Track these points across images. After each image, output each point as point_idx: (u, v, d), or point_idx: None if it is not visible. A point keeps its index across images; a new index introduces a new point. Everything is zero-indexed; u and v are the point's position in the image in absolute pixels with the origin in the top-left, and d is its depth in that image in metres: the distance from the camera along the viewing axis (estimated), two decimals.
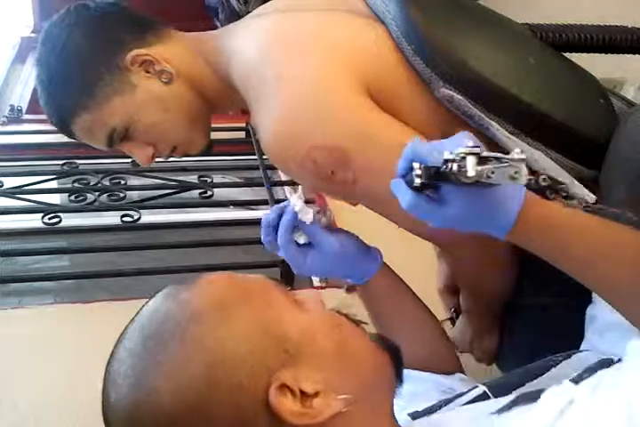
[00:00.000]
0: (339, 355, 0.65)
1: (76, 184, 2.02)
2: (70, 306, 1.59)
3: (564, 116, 0.92)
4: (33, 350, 1.44)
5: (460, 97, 0.89)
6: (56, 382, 1.36)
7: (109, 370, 0.64)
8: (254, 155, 2.12)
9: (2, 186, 1.97)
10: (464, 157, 0.61)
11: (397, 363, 0.71)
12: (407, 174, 0.70)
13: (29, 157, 2.16)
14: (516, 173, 0.61)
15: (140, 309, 0.67)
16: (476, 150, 0.61)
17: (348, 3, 1.04)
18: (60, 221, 1.82)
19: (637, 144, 0.92)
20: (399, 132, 0.92)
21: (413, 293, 1.01)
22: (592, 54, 1.10)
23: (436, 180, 0.66)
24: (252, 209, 2.15)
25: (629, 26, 1.10)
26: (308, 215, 0.91)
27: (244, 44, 0.97)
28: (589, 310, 0.96)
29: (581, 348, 0.94)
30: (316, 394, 0.61)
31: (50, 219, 1.82)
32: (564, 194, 0.68)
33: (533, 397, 0.63)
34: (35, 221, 1.84)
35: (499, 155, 0.61)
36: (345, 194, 0.99)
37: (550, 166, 0.89)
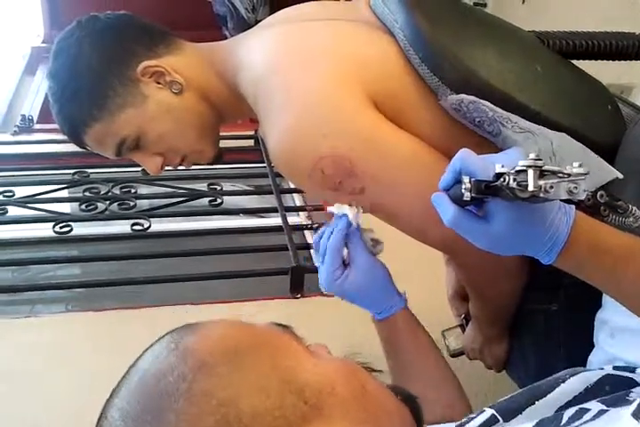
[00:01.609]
0: (361, 404, 0.60)
1: (86, 193, 2.03)
2: (82, 314, 1.60)
3: (571, 123, 0.92)
4: (45, 359, 1.44)
5: (471, 98, 0.89)
6: (68, 391, 1.37)
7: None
8: (263, 162, 2.13)
9: (13, 195, 1.99)
10: (520, 171, 0.59)
11: (417, 411, 0.67)
12: (450, 188, 0.67)
13: (40, 166, 2.17)
14: (575, 187, 0.59)
15: (136, 360, 0.60)
16: (539, 163, 0.59)
17: (356, 12, 1.05)
18: (71, 229, 1.84)
19: None
20: (405, 142, 0.92)
21: (431, 339, 1.01)
22: (600, 60, 1.11)
23: (487, 194, 0.63)
24: (262, 217, 2.16)
25: (637, 32, 1.10)
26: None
27: (253, 55, 0.98)
28: (599, 315, 0.95)
29: (592, 354, 0.94)
30: None
31: (61, 228, 1.83)
32: (620, 211, 0.67)
33: (557, 424, 0.61)
34: (46, 230, 1.85)
35: (557, 169, 0.59)
36: (352, 203, 1.00)
37: (574, 149, 0.89)
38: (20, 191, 2.01)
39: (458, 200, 0.67)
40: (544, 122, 0.90)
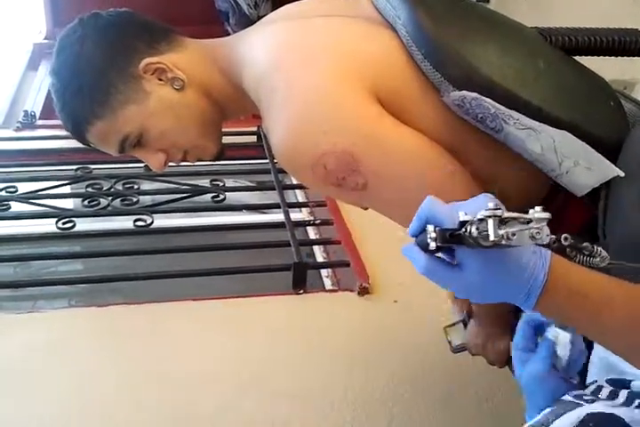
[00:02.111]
0: None
1: (89, 189, 2.03)
2: (84, 310, 1.60)
3: (573, 118, 0.92)
4: (48, 354, 1.45)
5: (473, 95, 0.89)
6: (70, 386, 1.37)
7: None
8: (266, 159, 2.13)
9: (16, 191, 1.99)
10: (483, 220, 0.59)
11: None
12: (419, 236, 0.67)
13: (43, 162, 2.17)
14: (537, 233, 0.59)
15: None
16: (498, 213, 0.59)
17: (359, 8, 1.05)
18: (74, 225, 1.84)
19: None
20: (408, 138, 0.92)
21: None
22: (602, 56, 1.11)
23: (452, 243, 0.63)
24: (264, 213, 2.16)
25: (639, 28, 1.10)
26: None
27: (256, 52, 0.98)
28: None
29: (593, 354, 0.94)
30: None
31: (64, 224, 1.83)
32: (586, 253, 0.66)
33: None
34: (49, 226, 1.85)
35: (518, 215, 0.59)
36: (355, 199, 1.00)
37: (576, 147, 0.89)
38: (23, 187, 2.02)
39: (427, 248, 0.67)
40: (546, 118, 0.90)
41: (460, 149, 0.95)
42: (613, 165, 0.87)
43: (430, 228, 0.64)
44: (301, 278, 1.64)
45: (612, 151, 0.93)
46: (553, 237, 0.62)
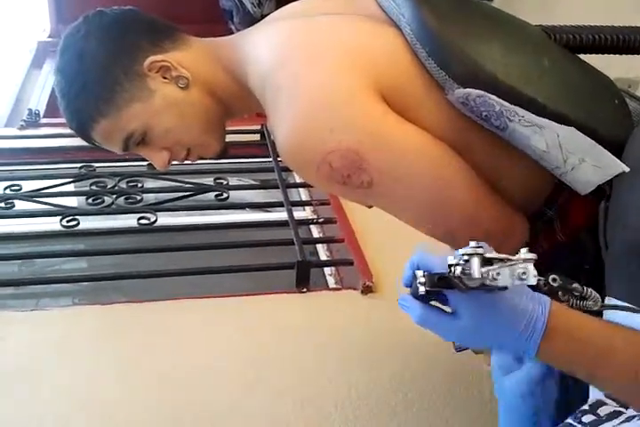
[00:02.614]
0: None
1: (93, 187, 2.03)
2: (88, 308, 1.60)
3: (577, 117, 0.92)
4: (51, 352, 1.45)
5: (477, 92, 0.89)
6: (73, 384, 1.37)
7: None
8: (269, 157, 2.13)
9: (20, 189, 1.99)
10: (468, 260, 0.60)
11: None
12: (411, 284, 0.68)
13: (47, 160, 2.18)
14: (523, 273, 0.59)
15: None
16: (480, 251, 0.60)
17: (363, 6, 1.05)
18: (78, 223, 1.84)
19: None
20: (413, 136, 0.92)
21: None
22: (607, 54, 1.10)
23: (441, 287, 0.64)
24: (268, 211, 2.16)
25: None
26: None
27: (260, 50, 0.98)
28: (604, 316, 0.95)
29: None
30: None
31: (68, 222, 1.83)
32: (576, 294, 0.66)
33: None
34: (53, 224, 1.85)
35: (503, 256, 0.60)
36: (360, 197, 1.00)
37: (581, 143, 0.89)
38: (27, 185, 2.02)
39: (422, 297, 0.67)
40: (550, 115, 0.90)
41: (464, 146, 0.95)
42: (619, 161, 0.86)
43: (419, 273, 0.65)
44: (305, 277, 1.64)
45: (615, 150, 0.93)
46: (541, 278, 0.62)
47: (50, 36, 3.19)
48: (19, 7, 3.36)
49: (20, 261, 1.89)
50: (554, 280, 0.64)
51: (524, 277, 0.60)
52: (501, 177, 0.98)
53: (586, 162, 0.89)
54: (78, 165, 2.11)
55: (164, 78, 1.02)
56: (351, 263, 1.72)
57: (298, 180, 2.10)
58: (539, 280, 0.61)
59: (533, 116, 0.89)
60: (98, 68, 1.00)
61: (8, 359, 1.43)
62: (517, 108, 0.89)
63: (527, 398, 0.85)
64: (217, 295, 1.62)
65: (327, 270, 1.83)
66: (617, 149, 0.93)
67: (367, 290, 1.61)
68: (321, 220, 1.97)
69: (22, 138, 2.32)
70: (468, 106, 0.91)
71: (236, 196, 2.10)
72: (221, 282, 1.77)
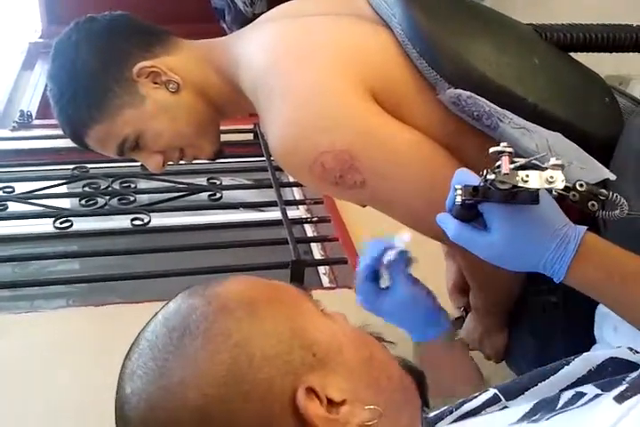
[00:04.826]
0: (366, 368, 0.64)
1: (86, 188, 2.03)
2: (82, 309, 1.61)
3: (568, 115, 0.92)
4: (46, 354, 1.45)
5: (467, 93, 0.89)
6: (69, 385, 1.37)
7: (127, 363, 0.62)
8: (263, 156, 2.13)
9: (13, 191, 1.99)
10: (499, 167, 0.61)
11: (422, 387, 0.70)
12: (453, 207, 0.70)
13: (40, 162, 2.18)
14: (551, 177, 0.61)
15: (164, 305, 0.66)
16: (509, 149, 0.61)
17: (355, 6, 1.05)
18: (72, 225, 1.84)
19: None
20: (405, 135, 0.93)
21: (474, 369, 1.01)
22: (597, 53, 1.11)
23: (476, 197, 0.66)
24: (262, 210, 2.16)
25: (634, 24, 1.10)
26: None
27: (252, 51, 0.98)
28: (601, 308, 0.96)
29: (594, 348, 0.94)
30: (343, 402, 0.59)
31: (61, 223, 1.83)
32: (602, 198, 0.66)
33: (552, 407, 0.62)
34: (46, 225, 1.85)
35: (535, 162, 0.61)
36: (353, 196, 1.00)
37: (569, 148, 0.89)
38: (20, 187, 2.02)
39: (460, 216, 0.70)
40: (541, 114, 0.90)
41: (456, 146, 0.95)
42: (605, 169, 0.87)
43: (457, 186, 0.67)
44: (299, 276, 1.64)
45: (607, 147, 0.93)
46: (568, 183, 0.63)
47: (41, 37, 3.18)
48: (10, 8, 3.35)
49: (14, 263, 1.89)
50: (581, 186, 0.64)
51: (552, 180, 0.61)
52: None
53: (574, 164, 0.90)
54: (71, 166, 2.11)
55: (155, 83, 1.02)
56: (345, 262, 1.72)
57: (291, 179, 2.10)
58: (566, 185, 0.62)
59: (522, 119, 0.89)
60: (89, 75, 1.01)
61: (3, 361, 1.43)
62: (506, 111, 0.89)
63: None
64: None
65: (321, 269, 1.84)
66: (609, 147, 0.94)
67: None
68: (315, 219, 1.97)
69: (14, 139, 2.32)
70: (460, 106, 0.91)
71: (229, 195, 2.10)
72: None
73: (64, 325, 1.53)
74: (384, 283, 0.94)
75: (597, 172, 0.89)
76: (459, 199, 0.66)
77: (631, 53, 1.11)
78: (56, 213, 1.87)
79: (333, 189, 0.95)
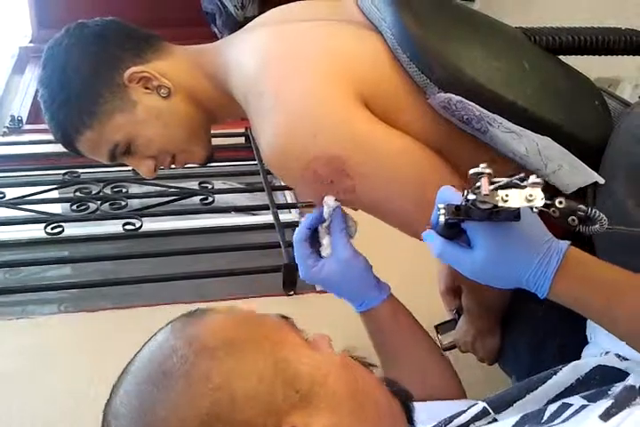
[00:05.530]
0: (352, 396, 0.64)
1: (77, 193, 2.02)
2: (74, 315, 1.60)
3: (558, 119, 0.93)
4: (38, 360, 1.44)
5: (457, 97, 0.90)
6: (60, 391, 1.37)
7: (111, 402, 0.63)
8: (254, 160, 2.13)
9: (4, 197, 1.98)
10: (478, 187, 0.63)
11: (408, 407, 0.70)
12: (437, 225, 0.71)
13: (31, 167, 2.17)
14: (531, 195, 0.62)
15: (146, 342, 0.67)
16: (488, 170, 0.63)
17: (345, 11, 1.06)
18: (63, 230, 1.83)
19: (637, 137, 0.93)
20: (396, 141, 0.93)
21: (418, 327, 1.02)
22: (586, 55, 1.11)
23: (459, 216, 0.68)
24: (254, 214, 2.16)
25: (623, 27, 1.11)
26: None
27: (243, 56, 0.98)
28: None
29: (586, 348, 0.95)
30: None
31: (52, 229, 1.83)
32: (581, 214, 0.67)
33: (538, 420, 0.63)
34: (37, 231, 1.84)
35: (515, 181, 0.62)
36: (345, 201, 1.00)
37: (558, 152, 0.90)
38: (11, 192, 2.01)
39: (445, 234, 0.72)
40: (531, 118, 0.91)
41: (446, 150, 0.96)
42: (595, 173, 0.88)
43: (440, 205, 0.69)
44: (292, 280, 1.64)
45: (597, 150, 0.94)
46: (548, 201, 0.64)
47: (31, 42, 3.17)
48: (0, 13, 3.34)
49: (5, 269, 1.88)
50: (560, 203, 0.66)
51: (531, 198, 0.62)
52: None
53: (564, 168, 0.90)
54: (62, 171, 2.10)
55: (146, 88, 1.02)
56: None
57: (283, 182, 2.10)
58: (546, 202, 0.63)
59: (511, 123, 0.90)
60: (80, 81, 1.00)
61: None
62: (496, 116, 0.90)
63: None
64: (204, 300, 1.61)
65: None
66: (599, 150, 0.94)
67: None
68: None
69: (5, 145, 2.31)
70: (450, 110, 0.91)
71: (221, 199, 2.09)
72: (208, 286, 1.77)
73: (56, 331, 1.53)
74: (324, 251, 0.97)
75: (587, 175, 0.90)
76: (442, 219, 0.68)
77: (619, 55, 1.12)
78: (47, 219, 1.87)
79: (324, 193, 0.95)
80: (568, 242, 0.70)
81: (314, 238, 1.00)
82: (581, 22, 1.12)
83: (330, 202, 0.94)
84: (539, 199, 0.62)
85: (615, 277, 0.70)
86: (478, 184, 0.63)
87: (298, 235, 0.99)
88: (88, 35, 1.03)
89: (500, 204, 0.62)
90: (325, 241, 0.98)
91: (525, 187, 0.62)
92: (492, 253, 0.69)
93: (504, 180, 0.63)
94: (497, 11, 1.12)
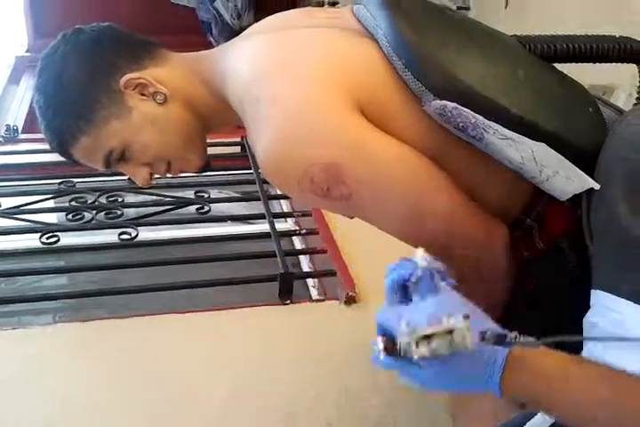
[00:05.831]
0: None
1: (73, 203, 2.01)
2: (70, 325, 1.59)
3: (553, 127, 0.93)
4: (32, 370, 1.43)
5: (453, 104, 0.90)
6: (56, 402, 1.36)
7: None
8: (250, 169, 2.13)
9: None
10: (409, 342, 0.66)
11: None
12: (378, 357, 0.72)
13: (26, 176, 2.16)
14: (462, 340, 0.65)
15: None
16: (414, 336, 0.66)
17: (340, 19, 1.06)
18: (58, 240, 1.82)
19: (634, 143, 0.93)
20: (391, 148, 0.93)
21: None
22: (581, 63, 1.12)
23: (395, 354, 0.69)
24: (250, 223, 2.16)
25: (617, 35, 1.11)
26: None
27: (240, 64, 0.99)
28: (588, 318, 0.96)
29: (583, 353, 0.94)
30: None
31: (48, 238, 1.82)
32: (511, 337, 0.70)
33: None
34: (32, 240, 1.83)
35: (440, 329, 0.65)
36: (341, 209, 1.00)
37: (553, 159, 0.90)
38: (6, 202, 2.00)
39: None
40: (526, 126, 0.91)
41: (442, 157, 0.96)
42: (590, 178, 0.88)
43: (379, 338, 0.71)
44: (288, 289, 1.63)
45: (591, 158, 0.94)
46: (476, 341, 0.67)
47: (27, 51, 3.18)
48: None
49: (0, 279, 1.87)
50: (482, 339, 0.68)
51: (462, 341, 0.65)
52: (479, 186, 0.99)
53: (559, 175, 0.90)
54: (58, 180, 2.10)
55: (142, 95, 1.02)
56: (334, 274, 1.72)
57: (279, 191, 2.10)
58: (473, 344, 0.66)
59: (507, 130, 0.90)
60: (76, 87, 1.01)
61: None
62: (492, 123, 0.90)
63: None
64: (200, 310, 1.61)
65: (310, 282, 1.83)
66: (593, 157, 0.94)
67: (350, 301, 1.62)
68: (303, 231, 1.97)
69: (0, 154, 2.30)
70: (445, 117, 0.92)
71: (217, 209, 2.09)
72: (204, 296, 1.76)
73: (52, 341, 1.52)
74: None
75: (582, 181, 0.90)
76: (381, 356, 0.70)
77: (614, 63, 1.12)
78: (42, 228, 1.86)
79: (320, 200, 0.95)
80: (506, 349, 0.71)
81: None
82: (576, 30, 1.12)
83: (420, 254, 0.78)
84: (469, 344, 0.65)
85: (561, 364, 0.72)
86: (407, 340, 0.66)
87: (390, 288, 0.81)
88: (84, 41, 1.03)
89: (430, 354, 0.65)
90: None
91: (453, 329, 0.65)
92: (442, 370, 0.70)
93: (431, 330, 0.65)
94: (492, 19, 1.12)
